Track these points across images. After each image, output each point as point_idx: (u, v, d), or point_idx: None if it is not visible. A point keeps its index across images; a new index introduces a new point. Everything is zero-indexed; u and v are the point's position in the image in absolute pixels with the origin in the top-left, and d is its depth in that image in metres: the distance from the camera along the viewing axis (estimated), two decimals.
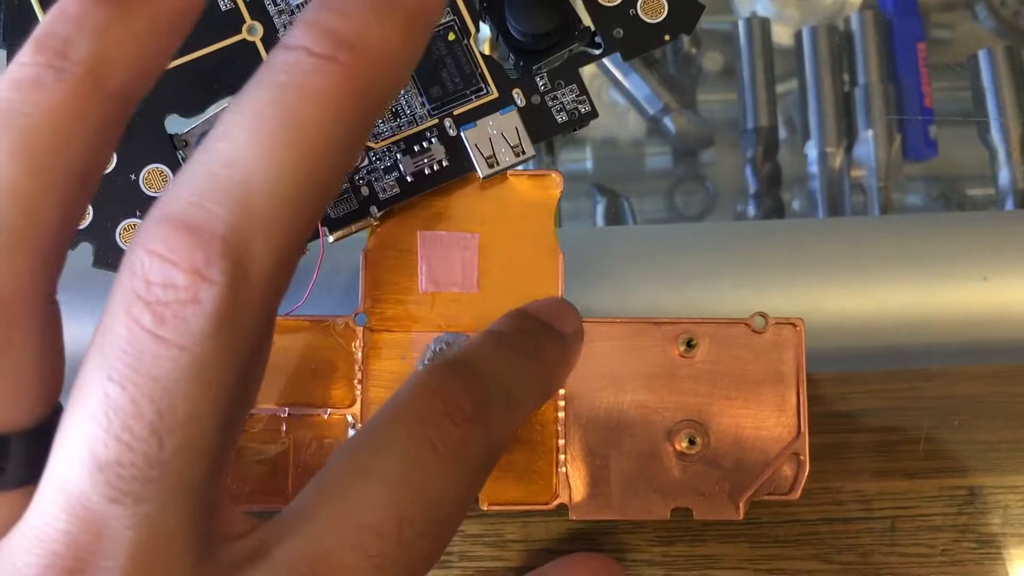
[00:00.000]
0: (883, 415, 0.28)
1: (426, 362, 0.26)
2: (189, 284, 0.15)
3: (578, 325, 0.24)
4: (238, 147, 0.16)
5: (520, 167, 0.27)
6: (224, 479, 0.17)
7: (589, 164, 0.54)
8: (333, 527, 0.17)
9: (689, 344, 0.26)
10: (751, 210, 0.49)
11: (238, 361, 0.16)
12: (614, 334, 0.27)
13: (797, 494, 0.26)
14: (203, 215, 0.15)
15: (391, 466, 0.17)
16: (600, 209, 0.49)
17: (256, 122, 0.16)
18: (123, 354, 0.15)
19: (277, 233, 0.16)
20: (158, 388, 0.15)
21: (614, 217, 0.49)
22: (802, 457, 0.26)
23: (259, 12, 0.26)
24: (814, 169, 0.48)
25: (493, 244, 0.26)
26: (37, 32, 0.17)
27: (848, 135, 0.48)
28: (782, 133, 0.51)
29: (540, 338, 0.22)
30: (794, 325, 0.27)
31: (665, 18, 0.27)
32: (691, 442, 0.26)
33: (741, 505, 0.26)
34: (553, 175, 0.27)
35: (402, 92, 0.26)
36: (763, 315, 0.27)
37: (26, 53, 0.16)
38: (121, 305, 0.15)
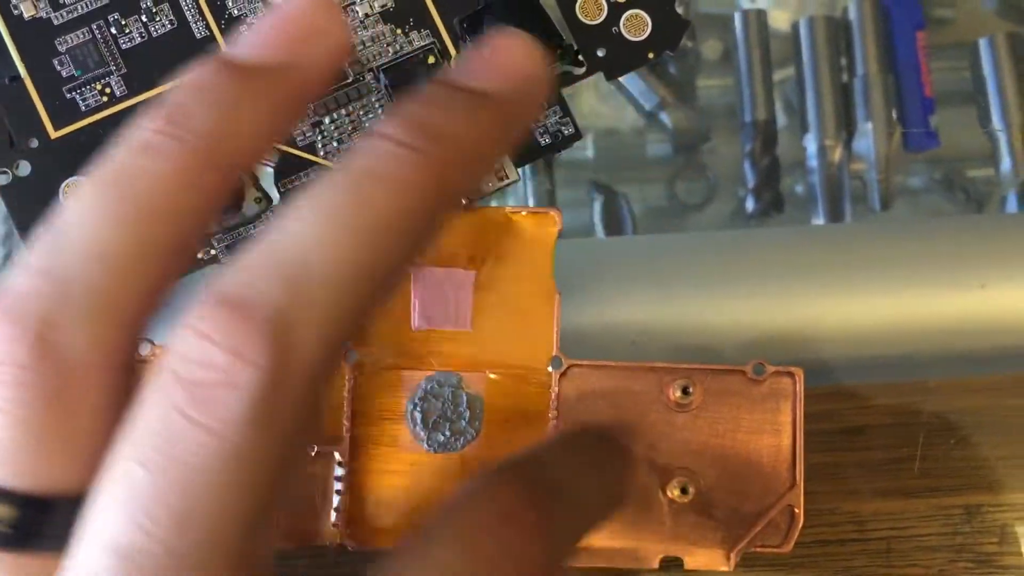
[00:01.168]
0: (879, 432, 0.28)
1: (416, 401, 0.26)
2: (227, 365, 0.14)
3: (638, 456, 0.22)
4: (302, 226, 0.15)
5: (516, 201, 0.26)
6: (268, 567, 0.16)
7: (590, 152, 0.53)
8: None
9: (685, 391, 0.26)
10: (750, 204, 0.48)
11: (274, 453, 0.15)
12: (608, 378, 0.26)
13: (789, 547, 0.25)
14: (251, 294, 0.15)
15: None
16: (597, 207, 0.49)
17: (326, 203, 0.15)
18: (152, 435, 0.14)
19: (329, 322, 0.15)
20: (184, 473, 0.14)
21: (611, 216, 0.48)
22: (796, 510, 0.26)
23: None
24: (813, 163, 0.47)
25: (489, 282, 0.26)
26: (165, 101, 0.16)
27: (847, 127, 0.47)
28: (781, 119, 0.50)
29: (609, 454, 0.21)
30: (792, 375, 0.26)
31: (649, 35, 0.26)
32: (683, 491, 0.26)
33: (733, 556, 0.26)
34: (552, 213, 0.26)
35: (382, 117, 0.26)
36: (762, 363, 0.26)
37: (148, 117, 0.16)
38: (158, 384, 0.15)
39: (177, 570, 0.14)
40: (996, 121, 0.46)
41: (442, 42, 0.26)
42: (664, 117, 0.49)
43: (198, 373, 0.14)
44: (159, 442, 0.14)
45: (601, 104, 0.55)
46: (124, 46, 0.25)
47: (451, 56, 0.26)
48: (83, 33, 0.25)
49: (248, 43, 0.17)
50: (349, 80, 0.26)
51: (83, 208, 0.16)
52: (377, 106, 0.26)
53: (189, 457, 0.14)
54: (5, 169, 0.25)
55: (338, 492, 0.25)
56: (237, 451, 0.14)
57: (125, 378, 0.16)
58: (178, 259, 0.16)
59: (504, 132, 0.17)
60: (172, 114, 0.16)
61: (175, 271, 0.16)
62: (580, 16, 0.26)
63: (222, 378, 0.14)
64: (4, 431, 0.16)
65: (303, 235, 0.15)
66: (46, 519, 0.16)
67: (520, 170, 0.26)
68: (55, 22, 0.25)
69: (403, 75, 0.26)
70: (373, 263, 0.15)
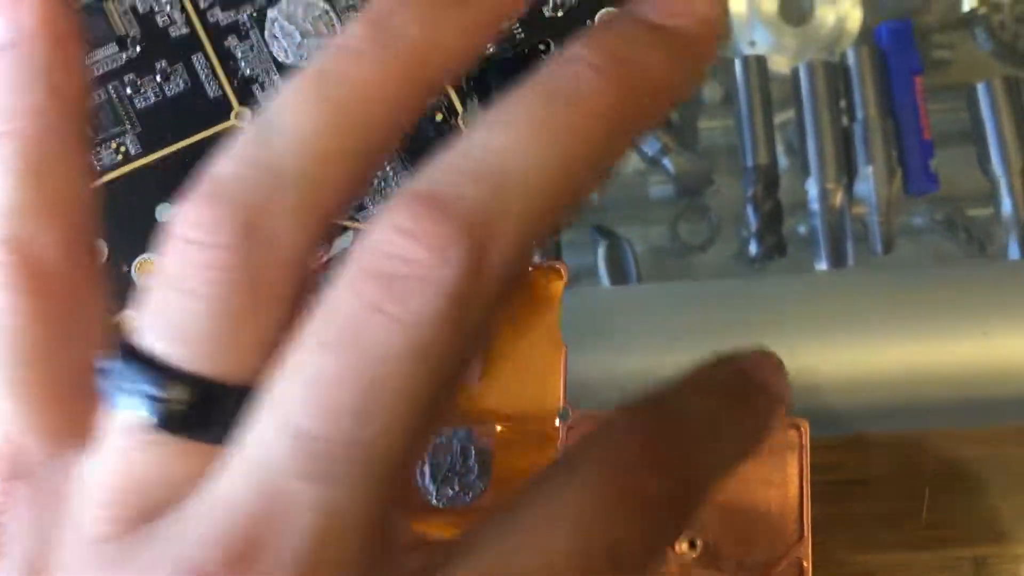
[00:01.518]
0: (885, 483, 0.28)
1: (425, 456, 0.26)
2: (425, 260, 0.14)
3: (785, 389, 0.22)
4: (498, 136, 0.15)
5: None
6: (408, 482, 0.16)
7: (594, 194, 0.54)
8: (515, 560, 0.16)
9: None
10: (753, 248, 0.48)
11: (457, 350, 0.15)
12: None
13: None
14: (452, 194, 0.15)
15: (584, 511, 0.16)
16: (601, 251, 0.49)
17: (521, 117, 0.16)
18: (343, 324, 0.15)
19: (524, 224, 0.15)
20: (370, 363, 0.14)
21: (615, 261, 0.49)
22: (805, 563, 0.26)
23: (248, 98, 0.26)
24: (815, 206, 0.48)
25: (495, 336, 0.26)
26: (371, 9, 0.16)
27: (848, 170, 0.48)
28: (783, 161, 0.50)
29: (750, 392, 0.21)
30: (798, 427, 0.26)
31: None
32: (691, 544, 0.26)
33: None
34: (558, 267, 0.27)
35: (391, 174, 0.26)
36: None
37: (356, 26, 0.16)
38: (350, 275, 0.15)
39: (352, 460, 0.14)
40: (995, 164, 0.47)
41: (449, 98, 0.26)
42: (666, 163, 0.50)
43: (394, 266, 0.15)
44: (349, 332, 0.14)
45: None
46: (139, 106, 0.26)
47: (458, 113, 0.27)
48: (99, 94, 0.25)
49: None
50: None
51: (290, 105, 0.16)
52: (386, 162, 0.26)
53: (378, 349, 0.14)
54: None
55: None
56: (424, 345, 0.14)
57: (310, 279, 0.16)
58: (371, 165, 0.16)
59: (685, 68, 0.17)
60: (380, 23, 0.16)
61: (371, 175, 0.17)
62: None
63: (419, 272, 0.14)
64: (198, 314, 0.15)
65: (499, 145, 0.15)
66: (217, 407, 0.16)
67: None
68: None
69: (411, 132, 0.26)
70: (567, 173, 0.16)
